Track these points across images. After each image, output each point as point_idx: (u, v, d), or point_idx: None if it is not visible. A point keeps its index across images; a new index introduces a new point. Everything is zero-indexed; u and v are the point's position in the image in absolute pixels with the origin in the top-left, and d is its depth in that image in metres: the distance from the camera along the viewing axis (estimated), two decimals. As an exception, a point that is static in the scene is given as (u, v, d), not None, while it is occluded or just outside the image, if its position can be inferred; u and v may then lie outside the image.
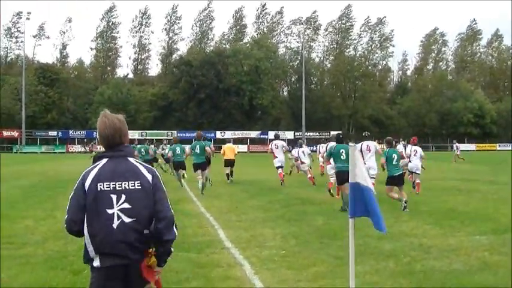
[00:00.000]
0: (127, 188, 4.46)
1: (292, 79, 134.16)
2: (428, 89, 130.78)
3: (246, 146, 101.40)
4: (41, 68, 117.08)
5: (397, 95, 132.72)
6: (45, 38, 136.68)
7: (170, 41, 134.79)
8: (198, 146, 23.49)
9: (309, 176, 26.64)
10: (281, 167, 27.32)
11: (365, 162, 19.18)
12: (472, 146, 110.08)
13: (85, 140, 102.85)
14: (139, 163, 4.70)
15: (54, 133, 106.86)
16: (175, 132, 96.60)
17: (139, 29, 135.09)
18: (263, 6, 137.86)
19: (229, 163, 28.83)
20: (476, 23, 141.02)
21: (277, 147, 28.02)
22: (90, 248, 4.39)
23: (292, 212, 16.41)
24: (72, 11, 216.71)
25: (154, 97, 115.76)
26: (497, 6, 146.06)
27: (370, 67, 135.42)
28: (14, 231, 12.76)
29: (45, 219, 14.62)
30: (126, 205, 4.41)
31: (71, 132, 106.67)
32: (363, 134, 22.62)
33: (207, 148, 23.80)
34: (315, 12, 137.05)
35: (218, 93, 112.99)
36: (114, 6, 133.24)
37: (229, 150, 29.40)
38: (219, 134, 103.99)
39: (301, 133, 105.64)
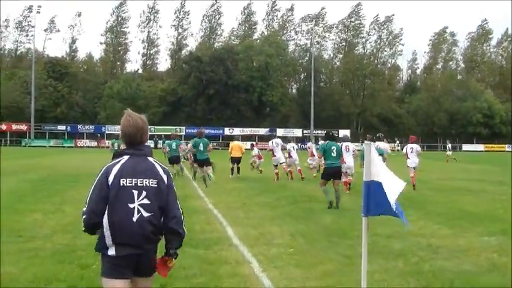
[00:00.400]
0: (147, 185, 4.83)
1: (301, 76, 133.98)
2: (437, 88, 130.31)
3: (254, 143, 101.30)
4: (51, 62, 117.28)
5: (406, 94, 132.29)
6: (56, 31, 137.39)
7: (179, 37, 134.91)
8: (201, 144, 24.56)
9: (288, 170, 28.69)
10: (277, 165, 28.73)
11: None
12: (480, 147, 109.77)
13: (98, 135, 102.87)
14: (157, 163, 5.05)
15: (63, 127, 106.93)
16: (184, 128, 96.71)
17: (147, 24, 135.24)
18: (273, 3, 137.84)
19: (236, 160, 29.23)
20: (487, 23, 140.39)
21: (278, 145, 29.37)
22: (108, 238, 4.70)
23: (300, 209, 16.39)
24: (82, 6, 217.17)
25: (164, 92, 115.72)
26: (508, 6, 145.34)
27: (379, 65, 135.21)
28: (23, 224, 12.78)
29: (54, 213, 14.65)
30: (145, 201, 4.78)
31: (79, 126, 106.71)
32: (377, 135, 23.73)
33: (209, 146, 25.25)
34: (323, 9, 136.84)
35: (227, 90, 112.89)
36: (125, 1, 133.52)
37: (237, 148, 29.66)
38: (227, 131, 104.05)
39: (309, 131, 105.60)
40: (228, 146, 31.63)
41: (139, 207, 4.75)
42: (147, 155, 5.02)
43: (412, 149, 25.21)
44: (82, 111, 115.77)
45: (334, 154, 17.66)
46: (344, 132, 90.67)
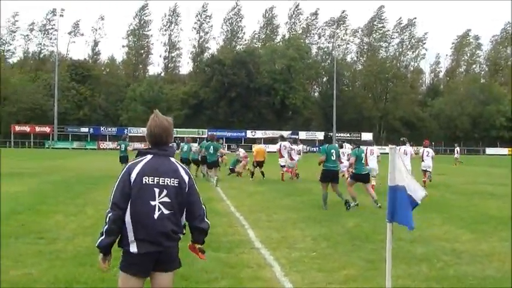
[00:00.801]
0: (168, 184, 4.97)
1: (324, 79, 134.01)
2: (460, 91, 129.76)
3: (276, 146, 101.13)
4: (73, 64, 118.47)
5: (429, 97, 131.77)
6: (80, 35, 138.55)
7: (201, 40, 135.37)
8: (212, 147, 26.06)
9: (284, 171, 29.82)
10: (284, 166, 29.90)
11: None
12: (504, 150, 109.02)
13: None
14: (179, 164, 5.20)
15: (86, 129, 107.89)
16: (206, 130, 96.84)
17: (168, 27, 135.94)
18: (296, 7, 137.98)
19: (259, 164, 29.90)
20: (511, 26, 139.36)
21: (285, 148, 30.21)
22: (130, 234, 4.86)
23: (323, 213, 16.29)
24: (105, 9, 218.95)
25: (186, 95, 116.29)
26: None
27: (402, 69, 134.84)
28: (45, 226, 12.79)
29: (76, 215, 14.65)
30: (166, 199, 4.93)
31: (102, 128, 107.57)
32: (401, 139, 25.43)
33: (221, 150, 27.22)
34: (343, 12, 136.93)
35: (249, 92, 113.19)
36: (147, 4, 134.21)
37: (261, 152, 30.20)
38: (249, 134, 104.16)
39: (331, 134, 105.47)
40: (251, 149, 32.05)
41: (160, 205, 4.90)
42: (170, 155, 5.17)
43: (428, 153, 27.29)
44: (104, 113, 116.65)
45: (333, 157, 17.96)
46: (367, 136, 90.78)
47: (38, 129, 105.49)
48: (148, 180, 4.91)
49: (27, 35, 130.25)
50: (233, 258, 9.93)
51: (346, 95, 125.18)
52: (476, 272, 9.27)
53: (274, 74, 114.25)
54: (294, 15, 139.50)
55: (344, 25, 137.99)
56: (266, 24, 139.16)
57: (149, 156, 5.07)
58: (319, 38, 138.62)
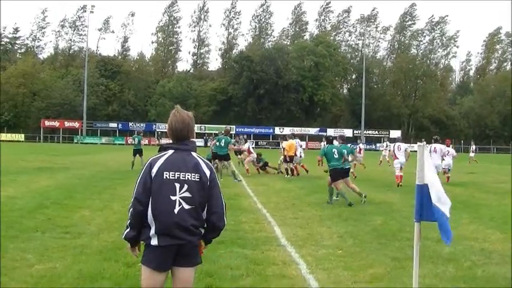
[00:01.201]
0: (189, 179, 4.99)
1: (353, 76, 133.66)
2: (490, 89, 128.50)
3: (304, 143, 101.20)
4: (103, 60, 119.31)
5: (458, 95, 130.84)
6: (110, 32, 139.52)
7: (229, 36, 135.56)
8: (223, 140, 26.98)
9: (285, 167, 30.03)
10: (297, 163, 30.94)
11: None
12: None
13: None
14: (201, 158, 5.20)
15: (114, 125, 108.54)
16: (234, 127, 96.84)
17: (197, 24, 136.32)
18: (327, 4, 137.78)
19: (291, 159, 29.88)
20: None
21: (301, 146, 31.88)
22: (152, 228, 4.90)
23: (350, 210, 16.18)
24: (135, 5, 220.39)
25: (214, 91, 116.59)
26: None
27: (431, 66, 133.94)
28: (71, 221, 12.82)
29: (102, 210, 14.69)
30: (187, 194, 4.95)
31: (130, 124, 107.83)
32: (433, 138, 27.57)
33: (230, 145, 27.74)
34: (374, 9, 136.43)
35: (277, 89, 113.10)
36: (176, 1, 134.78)
37: (291, 147, 30.09)
38: (277, 130, 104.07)
39: (360, 131, 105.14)
40: (279, 146, 32.33)
41: (180, 200, 4.93)
42: (191, 150, 5.19)
43: (449, 152, 28.30)
44: (133, 109, 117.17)
45: (336, 156, 18.29)
46: (395, 133, 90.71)
47: (67, 124, 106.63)
48: (169, 175, 4.95)
49: (59, 31, 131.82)
50: (259, 255, 9.88)
51: (375, 92, 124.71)
52: (506, 272, 9.07)
53: (302, 71, 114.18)
54: (324, 12, 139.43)
55: (375, 23, 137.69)
56: (295, 21, 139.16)
57: (170, 152, 5.11)
58: (350, 35, 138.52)
